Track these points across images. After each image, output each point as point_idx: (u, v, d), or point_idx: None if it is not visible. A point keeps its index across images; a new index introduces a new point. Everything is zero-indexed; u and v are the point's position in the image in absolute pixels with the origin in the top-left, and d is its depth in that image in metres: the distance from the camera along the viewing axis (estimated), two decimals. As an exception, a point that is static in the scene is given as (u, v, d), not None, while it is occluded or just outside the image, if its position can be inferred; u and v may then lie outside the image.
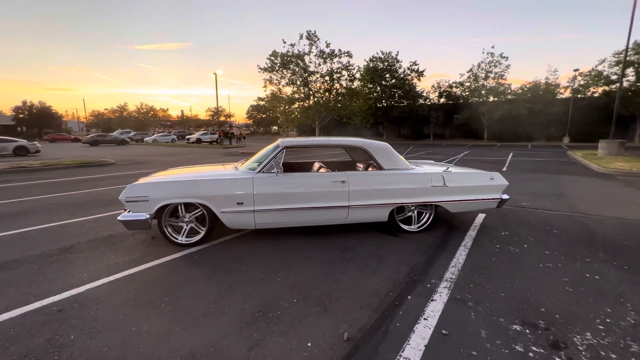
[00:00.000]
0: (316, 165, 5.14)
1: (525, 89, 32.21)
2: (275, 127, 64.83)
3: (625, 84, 27.04)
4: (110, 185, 7.93)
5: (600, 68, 29.29)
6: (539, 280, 2.84)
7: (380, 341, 2.02)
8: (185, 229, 3.75)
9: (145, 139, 39.37)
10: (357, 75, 25.01)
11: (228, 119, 35.70)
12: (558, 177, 9.21)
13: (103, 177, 9.68)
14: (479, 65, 32.91)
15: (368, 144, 4.13)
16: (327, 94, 25.09)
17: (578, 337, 2.05)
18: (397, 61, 37.31)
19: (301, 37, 23.39)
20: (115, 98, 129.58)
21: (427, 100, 38.23)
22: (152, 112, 73.03)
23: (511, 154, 18.16)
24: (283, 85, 24.92)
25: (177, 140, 38.58)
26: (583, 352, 1.90)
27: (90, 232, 4.29)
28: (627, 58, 26.17)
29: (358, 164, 5.11)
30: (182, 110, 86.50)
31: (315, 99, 24.87)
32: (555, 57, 68.80)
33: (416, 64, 36.72)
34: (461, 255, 3.43)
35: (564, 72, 65.60)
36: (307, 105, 24.49)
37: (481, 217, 4.88)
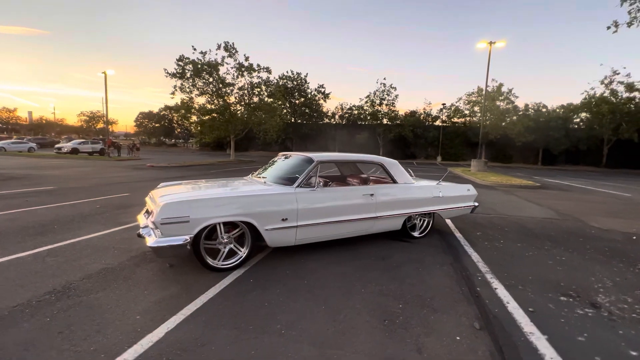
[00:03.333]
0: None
1: (409, 116, 38.88)
2: (172, 139, 58.48)
3: (475, 118, 35.84)
4: (15, 208, 5.94)
5: (458, 104, 38.07)
6: (537, 265, 3.79)
7: (501, 324, 2.43)
8: (224, 252, 3.35)
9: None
10: (274, 92, 25.32)
11: (108, 126, 30.29)
12: (463, 188, 11.64)
13: (-21, 197, 7.10)
14: (374, 93, 38.06)
15: (386, 160, 4.58)
16: (244, 107, 24.50)
17: (600, 296, 2.93)
18: (306, 82, 39.66)
19: (219, 47, 22.33)
20: None
21: (333, 120, 41.62)
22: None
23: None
24: (196, 95, 23.09)
25: (36, 149, 30.36)
26: (611, 305, 2.76)
27: (71, 268, 3.30)
28: (474, 99, 34.90)
29: (349, 179, 5.47)
30: (29, 112, 68.07)
31: (232, 112, 23.94)
32: (431, 89, 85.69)
33: (323, 87, 39.82)
34: (472, 252, 4.18)
35: (441, 99, 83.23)
36: (224, 118, 23.27)
37: (449, 222, 5.90)
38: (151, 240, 2.95)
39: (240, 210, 3.26)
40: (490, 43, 18.54)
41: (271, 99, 25.68)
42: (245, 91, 24.16)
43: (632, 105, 30.53)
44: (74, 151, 27.07)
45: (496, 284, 3.17)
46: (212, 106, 23.30)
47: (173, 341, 2.11)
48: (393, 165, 4.62)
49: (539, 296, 2.94)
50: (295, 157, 4.39)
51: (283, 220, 3.48)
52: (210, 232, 3.27)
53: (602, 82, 32.14)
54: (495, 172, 18.70)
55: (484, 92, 33.77)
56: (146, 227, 3.25)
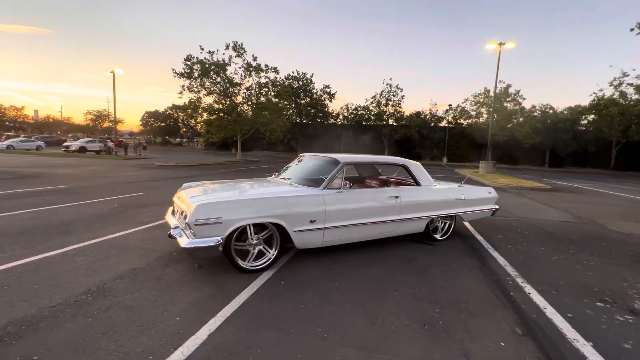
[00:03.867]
0: None
1: (414, 117, 38.70)
2: (177, 138, 58.70)
3: (481, 119, 35.64)
4: (34, 207, 5.97)
5: (464, 105, 37.86)
6: (566, 269, 3.75)
7: (543, 330, 2.40)
8: (253, 253, 3.34)
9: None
10: (281, 92, 25.35)
11: (116, 125, 30.53)
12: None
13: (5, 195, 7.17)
14: (381, 94, 37.95)
15: (409, 162, 4.55)
16: (251, 107, 24.54)
17: (637, 303, 2.90)
18: (311, 82, 39.66)
19: (227, 47, 22.40)
20: None
21: (338, 120, 41.58)
22: (-4, 110, 55.99)
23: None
24: (204, 94, 23.15)
25: (44, 147, 30.64)
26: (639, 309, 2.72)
27: (102, 267, 3.31)
28: (481, 100, 34.68)
29: (367, 180, 5.45)
30: (35, 110, 68.52)
31: (240, 112, 24.00)
32: (437, 90, 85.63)
33: (328, 87, 39.79)
34: (497, 256, 4.15)
35: (448, 99, 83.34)
36: (231, 117, 23.32)
37: (468, 225, 5.86)
38: (185, 241, 2.96)
39: (270, 212, 3.25)
40: (500, 44, 18.43)
41: (277, 99, 25.68)
42: (253, 91, 24.17)
43: (641, 107, 30.18)
44: (82, 150, 27.30)
45: (529, 289, 3.14)
46: (220, 106, 23.34)
47: (217, 343, 2.10)
48: (416, 167, 4.59)
49: (575, 302, 2.90)
50: (320, 158, 4.38)
51: (311, 222, 3.47)
52: (240, 233, 3.27)
53: (611, 84, 31.84)
54: (503, 174, 18.57)
55: (491, 94, 33.58)
56: (177, 227, 3.25)
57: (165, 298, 2.71)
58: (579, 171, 31.58)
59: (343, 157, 4.05)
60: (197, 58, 22.14)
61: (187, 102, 23.58)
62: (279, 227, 3.36)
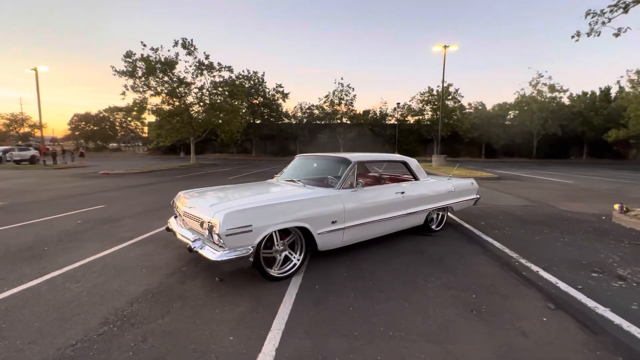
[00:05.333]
0: None
1: (363, 115, 40.15)
2: (115, 143, 53.05)
3: (427, 116, 38.31)
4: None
5: (410, 103, 40.34)
6: (552, 247, 4.25)
7: (567, 302, 2.70)
8: (280, 259, 3.21)
9: None
10: (236, 92, 24.41)
11: (42, 130, 26.69)
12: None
13: None
14: (333, 93, 38.66)
15: (408, 159, 4.75)
16: (205, 108, 23.21)
17: (619, 270, 3.40)
18: (263, 81, 38.89)
19: (175, 43, 20.85)
20: None
21: (293, 120, 41.39)
22: None
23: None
24: (151, 95, 21.31)
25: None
26: (632, 277, 3.22)
27: (107, 293, 2.90)
28: (425, 99, 37.25)
29: (369, 178, 5.45)
30: None
31: (192, 113, 22.58)
32: (387, 89, 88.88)
33: (281, 86, 39.39)
34: (492, 241, 4.53)
35: (398, 98, 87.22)
36: (182, 120, 21.82)
37: (451, 214, 6.29)
38: (214, 255, 2.73)
39: (296, 216, 3.16)
40: (445, 47, 20.02)
41: (232, 99, 24.73)
42: (205, 90, 22.92)
43: (554, 104, 35.22)
44: (-1, 160, 23.36)
45: (535, 267, 3.50)
46: (170, 107, 21.73)
47: (290, 358, 1.99)
48: (414, 163, 4.81)
49: (575, 275, 3.31)
50: (328, 158, 4.36)
51: (333, 222, 3.45)
52: (266, 240, 3.11)
53: (530, 84, 36.58)
54: (454, 166, 20.24)
55: (435, 93, 36.30)
56: (197, 240, 2.99)
57: (203, 318, 2.47)
58: (509, 160, 35.78)
59: (352, 156, 4.08)
60: (142, 55, 20.30)
61: (130, 104, 21.50)
62: (303, 230, 3.27)
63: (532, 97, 36.06)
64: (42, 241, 4.45)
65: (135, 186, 10.82)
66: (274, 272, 3.13)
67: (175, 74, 21.91)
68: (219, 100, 23.31)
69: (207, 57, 21.96)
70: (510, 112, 39.44)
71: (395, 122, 41.21)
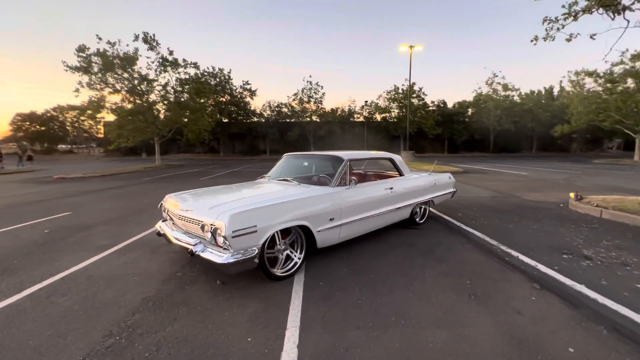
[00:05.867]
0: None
1: (329, 113, 40.60)
2: (66, 145, 48.73)
3: (393, 114, 39.55)
4: None
5: (377, 101, 41.38)
6: (525, 234, 4.65)
7: (548, 282, 3.00)
8: (282, 259, 3.22)
9: None
10: (203, 89, 23.51)
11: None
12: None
13: None
14: (302, 91, 38.64)
15: (394, 156, 4.94)
16: (170, 107, 22.10)
17: (584, 251, 3.83)
18: (229, 78, 37.84)
19: (136, 37, 19.57)
20: None
21: (262, 118, 40.74)
22: None
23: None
24: (110, 92, 19.87)
25: None
26: (596, 256, 3.64)
27: (102, 305, 2.73)
28: (391, 97, 38.41)
29: (356, 176, 5.59)
30: None
31: (157, 112, 21.43)
32: (357, 87, 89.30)
33: (249, 84, 38.61)
34: (472, 231, 4.86)
35: (365, 96, 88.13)
36: (145, 118, 20.61)
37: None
38: (221, 257, 2.69)
39: (297, 214, 3.19)
40: (411, 47, 20.81)
41: (199, 97, 23.82)
42: (170, 88, 21.85)
43: (508, 102, 38.01)
44: None
45: (515, 253, 3.83)
46: (131, 106, 20.44)
47: (314, 353, 2.04)
48: (399, 159, 5.01)
49: (550, 257, 3.67)
50: (319, 156, 4.42)
51: (330, 220, 3.52)
52: (269, 240, 3.11)
53: (486, 83, 39.13)
54: (422, 162, 21.18)
55: (401, 91, 37.56)
56: (199, 243, 2.91)
57: (215, 322, 2.43)
58: (470, 155, 38.04)
59: (344, 154, 4.17)
60: (98, 50, 18.88)
61: (85, 102, 19.92)
62: (303, 229, 3.31)
63: (488, 95, 38.60)
64: (8, 254, 4.06)
65: (99, 191, 10.12)
66: (277, 271, 3.14)
67: (136, 70, 20.65)
68: (183, 98, 22.29)
69: (170, 52, 20.94)
70: (469, 110, 41.90)
71: (364, 120, 42.08)
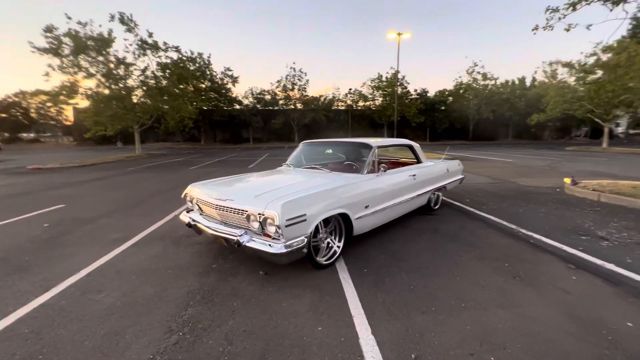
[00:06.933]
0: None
1: (312, 101, 40.18)
2: (32, 133, 45.29)
3: (377, 102, 39.70)
4: None
5: (362, 89, 41.32)
6: (537, 217, 4.85)
7: (580, 262, 3.16)
8: (324, 247, 3.19)
9: None
10: (186, 74, 22.47)
11: None
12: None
13: None
14: (286, 77, 37.85)
15: (413, 144, 4.99)
16: (152, 92, 20.97)
17: (599, 232, 4.05)
18: (209, 63, 36.33)
19: (112, 18, 18.20)
20: None
21: (246, 106, 39.65)
22: None
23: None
24: (84, 77, 18.51)
25: None
26: (611, 237, 3.87)
27: (148, 301, 2.60)
28: (376, 85, 38.46)
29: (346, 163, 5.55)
30: None
31: (136, 98, 20.29)
32: (341, 75, 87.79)
33: (230, 69, 37.31)
34: (488, 215, 5.01)
35: (350, 84, 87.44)
36: (124, 105, 19.47)
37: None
38: (274, 247, 2.61)
39: (339, 202, 3.15)
40: (399, 34, 20.77)
41: (181, 83, 22.78)
42: (150, 73, 20.71)
43: (487, 91, 39.11)
44: None
45: (537, 236, 3.99)
46: (108, 91, 19.23)
47: (391, 339, 2.05)
48: (418, 147, 5.05)
49: (569, 239, 3.86)
50: (346, 143, 4.36)
51: (366, 207, 3.51)
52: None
53: (467, 72, 39.96)
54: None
55: (385, 79, 37.66)
56: (244, 234, 2.81)
57: (276, 313, 2.38)
58: (451, 143, 39.03)
59: (371, 141, 4.13)
60: (69, 30, 17.47)
61: (57, 87, 18.51)
62: (343, 216, 3.28)
63: (468, 84, 39.51)
64: (15, 250, 3.77)
65: (85, 182, 9.56)
66: (322, 260, 3.10)
67: (112, 53, 19.36)
68: (164, 83, 21.20)
69: (150, 35, 19.74)
70: (450, 98, 42.77)
71: (348, 108, 42.00)
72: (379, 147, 4.12)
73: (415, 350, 1.94)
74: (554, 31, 10.57)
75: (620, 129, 45.54)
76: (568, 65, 24.83)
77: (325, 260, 3.16)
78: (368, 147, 4.02)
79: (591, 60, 23.06)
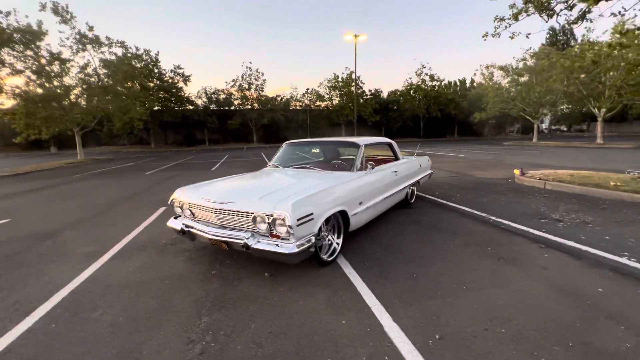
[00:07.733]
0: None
1: (267, 101, 39.80)
2: None
3: (334, 102, 40.44)
4: None
5: (319, 89, 41.78)
6: (500, 205, 5.41)
7: (546, 242, 3.62)
8: (325, 244, 3.25)
9: None
10: (132, 73, 20.77)
11: None
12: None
13: None
14: (242, 77, 36.89)
15: (392, 142, 5.23)
16: (94, 91, 19.01)
17: (552, 215, 4.65)
18: (157, 61, 34.09)
19: (43, 7, 16.08)
20: None
21: (199, 106, 37.83)
22: None
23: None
24: (10, 74, 16.15)
25: None
26: (564, 218, 4.48)
27: (158, 313, 2.44)
28: (332, 85, 39.16)
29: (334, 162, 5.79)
30: None
31: (75, 98, 18.25)
32: (299, 75, 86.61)
33: (180, 68, 35.37)
34: (458, 206, 5.46)
35: (307, 84, 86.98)
36: (63, 106, 17.41)
37: (407, 188, 7.17)
38: (287, 247, 2.62)
39: (339, 200, 3.24)
40: (355, 36, 21.43)
41: (128, 82, 21.05)
42: (92, 70, 18.81)
43: (435, 91, 41.99)
44: None
45: (505, 221, 4.46)
46: (42, 90, 17.08)
47: (412, 324, 2.19)
48: (395, 145, 5.32)
49: (532, 222, 4.39)
50: (332, 142, 4.47)
51: (360, 204, 3.65)
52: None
53: (416, 73, 42.51)
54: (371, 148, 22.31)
55: (341, 79, 38.48)
56: (251, 236, 2.77)
57: (296, 311, 2.40)
58: (404, 140, 41.19)
59: (359, 140, 4.28)
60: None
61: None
62: (341, 214, 3.38)
63: (418, 85, 42.06)
64: (-33, 274, 3.26)
65: (24, 193, 8.48)
66: (325, 257, 3.17)
67: (44, 47, 17.24)
68: (108, 82, 19.40)
69: (90, 28, 17.91)
70: (401, 98, 45.14)
71: (306, 108, 42.19)
72: (365, 145, 4.28)
73: (437, 331, 2.11)
74: (501, 37, 11.80)
75: (544, 125, 51.79)
76: (502, 68, 27.66)
77: (329, 257, 3.23)
78: (356, 145, 4.17)
79: (521, 64, 25.95)
